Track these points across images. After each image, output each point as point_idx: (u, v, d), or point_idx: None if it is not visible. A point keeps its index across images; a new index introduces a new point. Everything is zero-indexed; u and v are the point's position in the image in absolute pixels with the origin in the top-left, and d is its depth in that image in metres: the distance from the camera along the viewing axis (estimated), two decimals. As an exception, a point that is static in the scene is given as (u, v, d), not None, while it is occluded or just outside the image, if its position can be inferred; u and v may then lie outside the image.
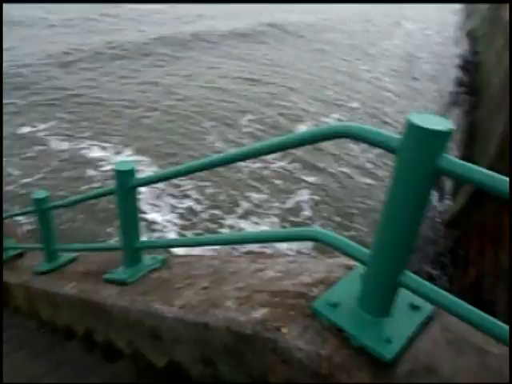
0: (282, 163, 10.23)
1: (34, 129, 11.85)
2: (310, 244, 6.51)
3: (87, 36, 20.41)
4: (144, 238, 2.48)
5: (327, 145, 10.32)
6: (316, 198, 9.06)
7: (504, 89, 7.26)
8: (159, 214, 8.40)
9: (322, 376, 1.11)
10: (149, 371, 2.06)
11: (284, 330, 1.24)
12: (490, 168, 0.89)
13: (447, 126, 0.94)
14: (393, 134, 1.05)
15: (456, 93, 14.60)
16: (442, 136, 0.94)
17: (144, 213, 8.06)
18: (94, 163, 10.45)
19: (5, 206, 6.85)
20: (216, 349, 1.51)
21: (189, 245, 2.19)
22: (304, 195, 9.19)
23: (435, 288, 1.08)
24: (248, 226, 8.15)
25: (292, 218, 8.42)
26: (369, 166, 10.35)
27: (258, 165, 10.04)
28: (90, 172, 10.05)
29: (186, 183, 9.36)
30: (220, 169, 8.38)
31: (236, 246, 6.12)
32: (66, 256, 3.54)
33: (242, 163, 8.98)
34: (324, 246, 1.33)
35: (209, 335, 1.52)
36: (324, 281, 1.43)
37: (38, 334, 3.20)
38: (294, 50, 20.92)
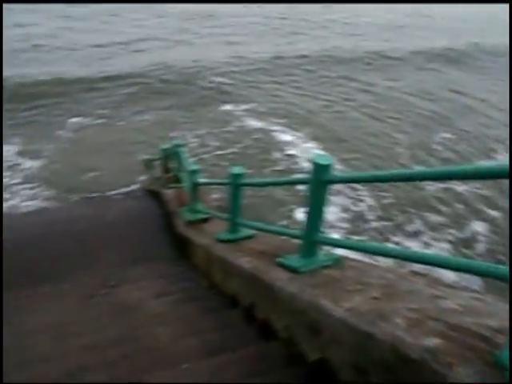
0: (466, 187, 9.46)
1: (236, 108, 13.71)
2: (479, 281, 5.83)
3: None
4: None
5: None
6: (493, 236, 8.16)
7: None
8: (330, 211, 8.66)
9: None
10: (298, 360, 2.25)
11: (458, 369, 1.24)
12: None
13: None
14: None
15: None
16: None
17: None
18: (280, 147, 11.48)
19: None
20: (373, 360, 1.59)
21: (369, 251, 2.26)
22: (482, 227, 8.35)
23: None
24: (415, 247, 7.83)
25: (464, 250, 7.78)
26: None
27: (443, 185, 9.48)
28: (276, 154, 11.08)
29: (363, 188, 9.40)
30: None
31: (402, 262, 5.91)
32: (245, 231, 4.03)
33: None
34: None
35: (370, 345, 1.60)
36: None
37: (209, 293, 3.75)
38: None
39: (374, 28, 28.15)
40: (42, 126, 12.58)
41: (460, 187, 9.62)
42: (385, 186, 9.17)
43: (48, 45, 20.31)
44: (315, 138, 11.87)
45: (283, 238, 3.49)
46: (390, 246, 7.02)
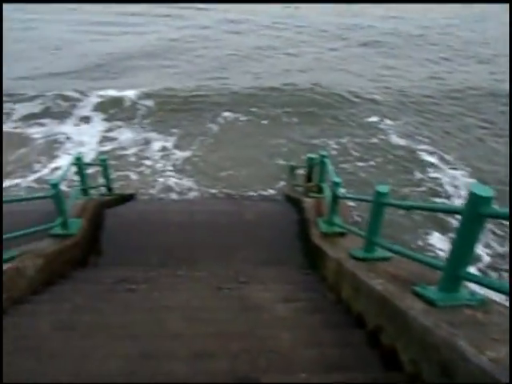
0: None
1: (382, 121, 13.40)
2: None
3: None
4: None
5: None
6: None
7: None
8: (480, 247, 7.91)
9: None
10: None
11: None
12: None
13: None
14: None
15: None
16: None
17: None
18: (424, 167, 10.89)
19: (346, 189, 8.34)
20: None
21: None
22: None
23: None
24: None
25: None
26: None
27: None
28: (418, 175, 10.54)
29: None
30: None
31: None
32: (381, 252, 3.90)
33: None
34: None
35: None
36: None
37: (334, 307, 3.71)
38: None
39: None
40: (199, 120, 13.90)
41: None
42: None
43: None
44: (467, 165, 10.89)
45: (421, 265, 3.28)
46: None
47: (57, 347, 2.75)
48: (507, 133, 12.54)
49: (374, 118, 13.71)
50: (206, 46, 23.12)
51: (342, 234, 5.29)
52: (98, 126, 13.68)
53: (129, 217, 6.73)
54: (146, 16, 32.15)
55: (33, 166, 11.21)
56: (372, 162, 11.24)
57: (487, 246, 8.01)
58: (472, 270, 7.29)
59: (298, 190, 8.16)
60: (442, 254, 7.75)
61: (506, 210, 2.17)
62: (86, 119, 14.08)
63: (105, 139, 12.83)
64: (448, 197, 9.48)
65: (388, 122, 13.48)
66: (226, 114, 14.21)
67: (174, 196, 9.94)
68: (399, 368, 2.44)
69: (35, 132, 13.05)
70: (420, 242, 8.20)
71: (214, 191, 10.07)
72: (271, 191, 9.98)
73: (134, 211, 7.09)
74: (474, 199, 2.04)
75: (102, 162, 7.20)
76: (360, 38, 24.46)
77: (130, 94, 15.37)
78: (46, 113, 14.31)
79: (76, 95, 15.54)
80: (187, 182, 10.51)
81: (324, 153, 6.19)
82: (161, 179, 10.65)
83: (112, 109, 14.56)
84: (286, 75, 18.19)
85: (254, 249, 6.02)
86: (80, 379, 2.36)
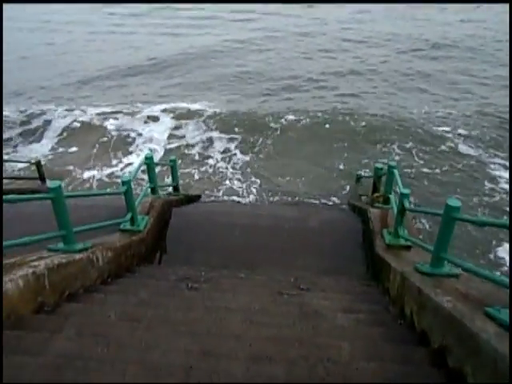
0: None
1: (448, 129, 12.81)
2: None
3: None
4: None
5: None
6: None
7: None
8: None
9: None
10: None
11: None
12: None
13: None
14: None
15: None
16: None
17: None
18: (494, 178, 10.46)
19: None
20: None
21: None
22: None
23: None
24: None
25: None
26: None
27: None
28: (488, 184, 10.11)
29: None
30: None
31: None
32: (449, 268, 3.73)
33: None
34: None
35: None
36: None
37: (396, 321, 3.60)
38: None
39: None
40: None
41: None
42: None
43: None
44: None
45: (495, 285, 3.10)
46: None
47: (123, 336, 2.90)
48: None
49: (444, 127, 13.18)
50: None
51: (407, 247, 5.12)
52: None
53: (194, 217, 6.94)
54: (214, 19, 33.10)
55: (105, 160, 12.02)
56: (438, 170, 10.94)
57: None
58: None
59: (363, 200, 8.01)
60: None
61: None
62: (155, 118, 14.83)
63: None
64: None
65: (461, 131, 12.88)
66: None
67: (235, 197, 10.16)
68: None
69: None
70: (491, 255, 7.82)
71: (272, 195, 10.17)
72: (335, 198, 9.87)
73: (199, 211, 7.31)
74: None
75: (172, 163, 7.49)
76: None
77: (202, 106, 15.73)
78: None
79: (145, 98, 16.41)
80: (243, 184, 10.72)
81: (392, 163, 6.03)
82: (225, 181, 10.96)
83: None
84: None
85: (316, 256, 5.98)
86: (143, 368, 2.47)
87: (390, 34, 25.21)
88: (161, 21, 32.41)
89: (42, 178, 9.41)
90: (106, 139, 13.30)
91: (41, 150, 12.92)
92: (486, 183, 10.33)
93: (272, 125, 13.60)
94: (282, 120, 13.86)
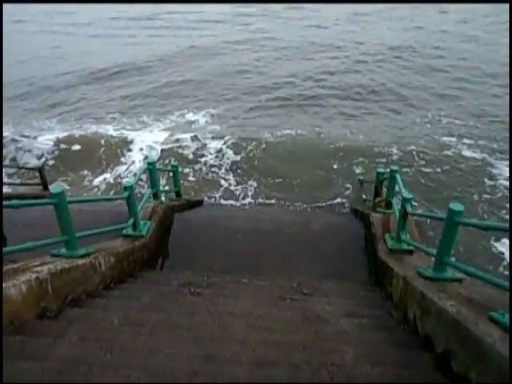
0: None
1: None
2: None
3: None
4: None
5: None
6: None
7: None
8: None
9: None
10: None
11: None
12: None
13: None
14: None
15: None
16: None
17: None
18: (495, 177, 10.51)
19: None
20: None
21: None
22: None
23: None
24: None
25: None
26: None
27: None
28: (489, 182, 10.15)
29: None
30: None
31: None
32: (452, 272, 3.73)
33: None
34: None
35: None
36: None
37: (399, 326, 3.59)
38: None
39: None
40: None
41: None
42: None
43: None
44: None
45: (498, 289, 3.09)
46: None
47: (126, 341, 2.90)
48: None
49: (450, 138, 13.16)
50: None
51: (409, 252, 5.13)
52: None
53: (196, 222, 6.95)
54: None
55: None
56: (438, 170, 11.00)
57: None
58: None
59: (365, 204, 8.01)
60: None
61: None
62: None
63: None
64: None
65: (466, 140, 12.87)
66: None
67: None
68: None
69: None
70: (493, 249, 7.84)
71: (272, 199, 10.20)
72: (338, 202, 9.88)
73: (201, 216, 7.32)
74: None
75: (174, 168, 7.50)
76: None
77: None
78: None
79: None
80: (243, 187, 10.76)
81: (394, 167, 6.03)
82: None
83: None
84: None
85: (318, 261, 5.98)
86: (147, 373, 2.47)
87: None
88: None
89: (44, 184, 9.42)
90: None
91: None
92: (487, 180, 10.42)
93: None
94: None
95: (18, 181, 10.69)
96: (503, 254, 7.80)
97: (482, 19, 30.07)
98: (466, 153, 11.95)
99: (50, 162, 12.13)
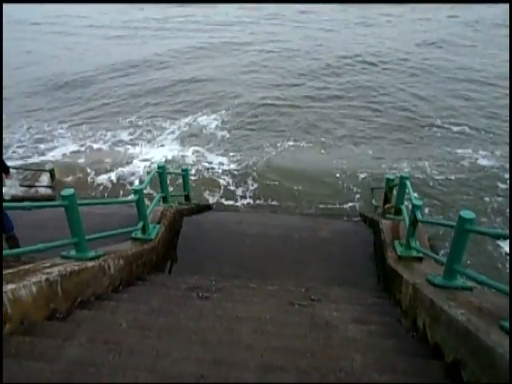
0: None
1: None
2: None
3: None
4: None
5: None
6: None
7: None
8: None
9: None
10: None
11: None
12: None
13: None
14: None
15: None
16: None
17: None
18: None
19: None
20: None
21: None
22: None
23: None
24: None
25: None
26: None
27: None
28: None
29: None
30: None
31: None
32: (462, 281, 3.70)
33: None
34: None
35: None
36: None
37: (408, 334, 3.56)
38: None
39: None
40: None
41: None
42: None
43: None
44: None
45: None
46: None
47: (134, 344, 2.91)
48: None
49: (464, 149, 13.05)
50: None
51: (419, 259, 5.09)
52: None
53: (205, 226, 6.97)
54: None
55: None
56: (451, 177, 10.93)
57: None
58: None
59: (375, 211, 7.98)
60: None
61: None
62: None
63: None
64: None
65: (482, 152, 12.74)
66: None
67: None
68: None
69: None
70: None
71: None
72: (347, 208, 9.85)
73: (210, 220, 7.33)
74: None
75: (184, 172, 7.54)
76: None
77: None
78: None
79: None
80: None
81: (404, 174, 6.01)
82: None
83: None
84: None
85: (326, 267, 5.96)
86: (155, 376, 2.48)
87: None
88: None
89: (55, 186, 9.52)
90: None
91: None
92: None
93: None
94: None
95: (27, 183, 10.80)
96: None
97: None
98: (482, 161, 11.87)
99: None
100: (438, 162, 11.84)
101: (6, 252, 3.53)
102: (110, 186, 11.21)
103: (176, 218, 6.86)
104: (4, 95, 16.84)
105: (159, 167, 6.43)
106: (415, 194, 5.81)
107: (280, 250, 6.29)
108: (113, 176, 11.56)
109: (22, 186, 10.05)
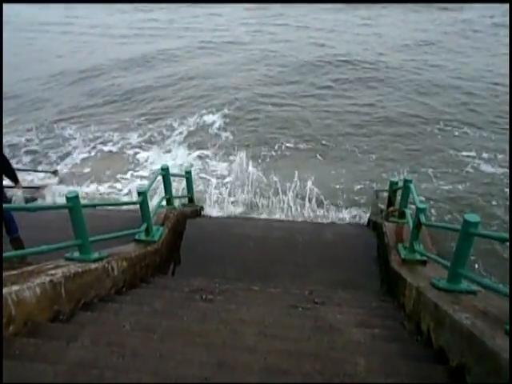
0: None
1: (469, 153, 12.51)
2: None
3: None
4: None
5: None
6: None
7: None
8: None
9: None
10: None
11: None
12: None
13: None
14: None
15: None
16: None
17: None
18: None
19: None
20: None
21: None
22: None
23: None
24: None
25: None
26: None
27: None
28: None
29: None
30: None
31: None
32: (466, 284, 3.68)
33: None
34: None
35: None
36: None
37: (412, 338, 3.54)
38: None
39: None
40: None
41: None
42: None
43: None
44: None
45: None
46: None
47: (138, 346, 2.90)
48: None
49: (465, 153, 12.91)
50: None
51: (423, 262, 5.07)
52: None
53: (208, 228, 6.97)
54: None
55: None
56: (453, 186, 10.82)
57: None
58: None
59: (379, 214, 7.96)
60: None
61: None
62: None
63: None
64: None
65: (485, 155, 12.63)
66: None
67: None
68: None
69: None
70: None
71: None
72: (353, 212, 9.79)
73: (214, 223, 7.33)
74: None
75: (187, 174, 7.54)
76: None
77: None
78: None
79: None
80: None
81: (408, 177, 5.99)
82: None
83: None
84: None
85: (330, 269, 5.95)
86: (158, 378, 2.47)
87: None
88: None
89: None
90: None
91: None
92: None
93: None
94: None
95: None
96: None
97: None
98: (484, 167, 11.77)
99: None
100: (441, 164, 11.77)
101: (9, 254, 3.54)
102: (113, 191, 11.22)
103: (179, 220, 6.87)
104: (15, 91, 16.91)
105: (163, 169, 6.43)
106: (421, 198, 5.78)
107: (283, 253, 6.28)
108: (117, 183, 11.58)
109: (25, 187, 10.06)
